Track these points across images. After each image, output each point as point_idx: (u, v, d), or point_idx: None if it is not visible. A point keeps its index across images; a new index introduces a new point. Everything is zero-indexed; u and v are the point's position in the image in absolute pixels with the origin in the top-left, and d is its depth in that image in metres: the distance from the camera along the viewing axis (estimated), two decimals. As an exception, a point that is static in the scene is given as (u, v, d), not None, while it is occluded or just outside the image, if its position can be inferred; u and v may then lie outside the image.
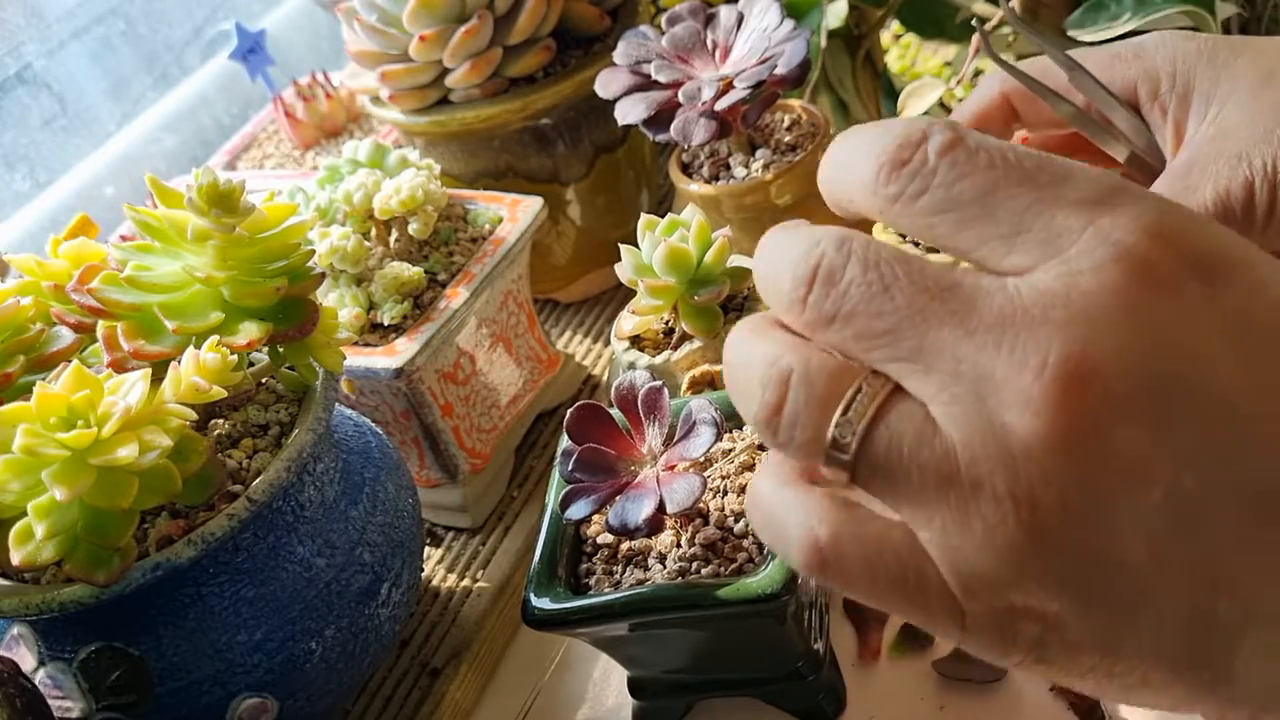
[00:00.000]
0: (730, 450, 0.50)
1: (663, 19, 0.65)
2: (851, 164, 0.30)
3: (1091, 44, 0.76)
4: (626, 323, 0.58)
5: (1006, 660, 0.27)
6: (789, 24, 0.60)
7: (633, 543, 0.48)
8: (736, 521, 0.47)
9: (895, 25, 1.29)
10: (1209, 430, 0.25)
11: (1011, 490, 0.25)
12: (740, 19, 0.63)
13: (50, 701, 0.45)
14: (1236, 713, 0.26)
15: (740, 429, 0.52)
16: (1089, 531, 0.25)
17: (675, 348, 0.56)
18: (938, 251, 0.37)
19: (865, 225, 0.50)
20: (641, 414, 0.48)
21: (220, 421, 0.51)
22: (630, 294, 0.57)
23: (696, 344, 0.55)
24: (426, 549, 0.65)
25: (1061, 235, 0.26)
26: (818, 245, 0.29)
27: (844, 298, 0.28)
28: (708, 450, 0.45)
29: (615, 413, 0.49)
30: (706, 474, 0.48)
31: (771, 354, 0.28)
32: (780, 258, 0.30)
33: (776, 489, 0.29)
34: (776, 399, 0.28)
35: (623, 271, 0.56)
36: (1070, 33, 0.76)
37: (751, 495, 0.30)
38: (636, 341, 0.58)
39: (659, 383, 0.48)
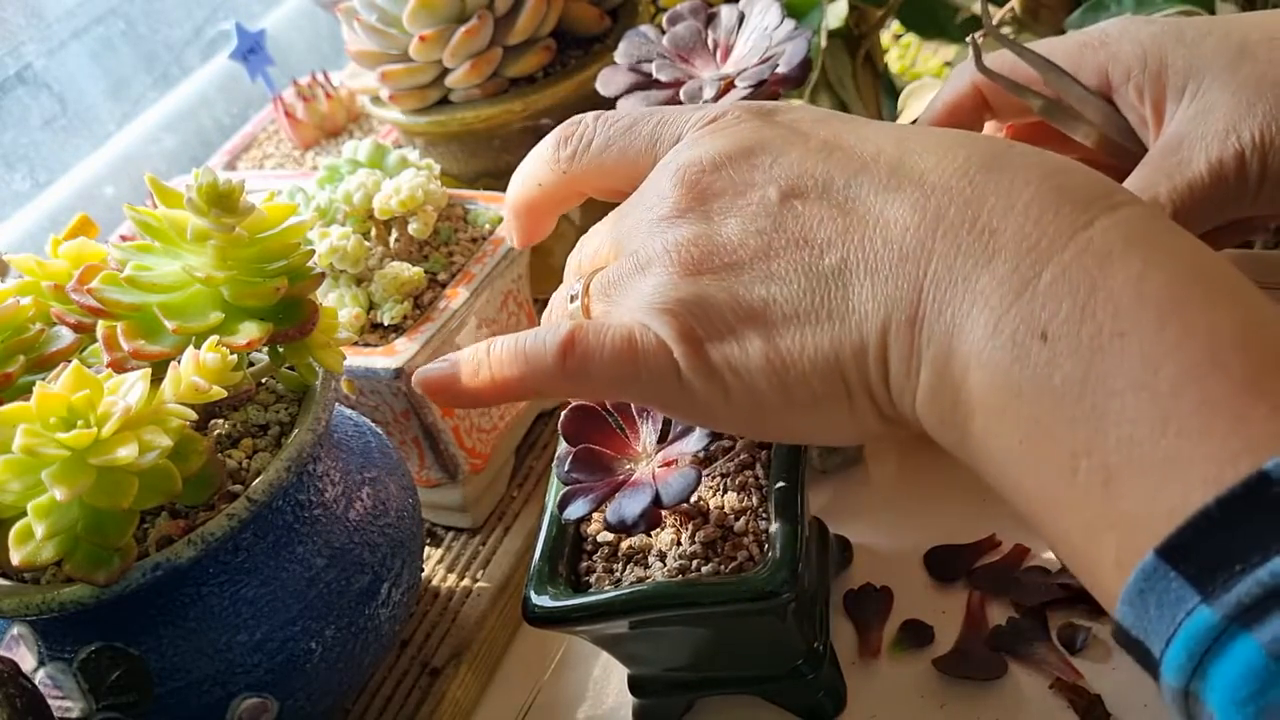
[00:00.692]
0: (730, 448, 0.50)
1: (663, 18, 0.65)
2: (530, 159, 0.46)
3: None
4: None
5: (718, 403, 0.37)
6: (790, 24, 0.60)
7: (633, 541, 0.48)
8: (736, 519, 0.47)
9: (895, 25, 1.29)
10: (778, 163, 0.38)
11: (665, 248, 0.38)
12: (741, 18, 0.63)
13: (50, 701, 0.45)
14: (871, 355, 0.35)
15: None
16: (717, 247, 0.37)
17: None
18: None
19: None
20: (635, 412, 0.48)
21: (220, 421, 0.51)
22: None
23: None
24: (426, 549, 0.65)
25: (683, 126, 0.42)
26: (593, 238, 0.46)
27: (582, 245, 0.46)
28: (702, 446, 0.45)
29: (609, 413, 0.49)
30: (706, 472, 0.48)
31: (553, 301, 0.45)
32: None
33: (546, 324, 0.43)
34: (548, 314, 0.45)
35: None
36: (1071, 33, 0.76)
37: (508, 336, 0.43)
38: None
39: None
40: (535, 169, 0.46)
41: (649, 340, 0.38)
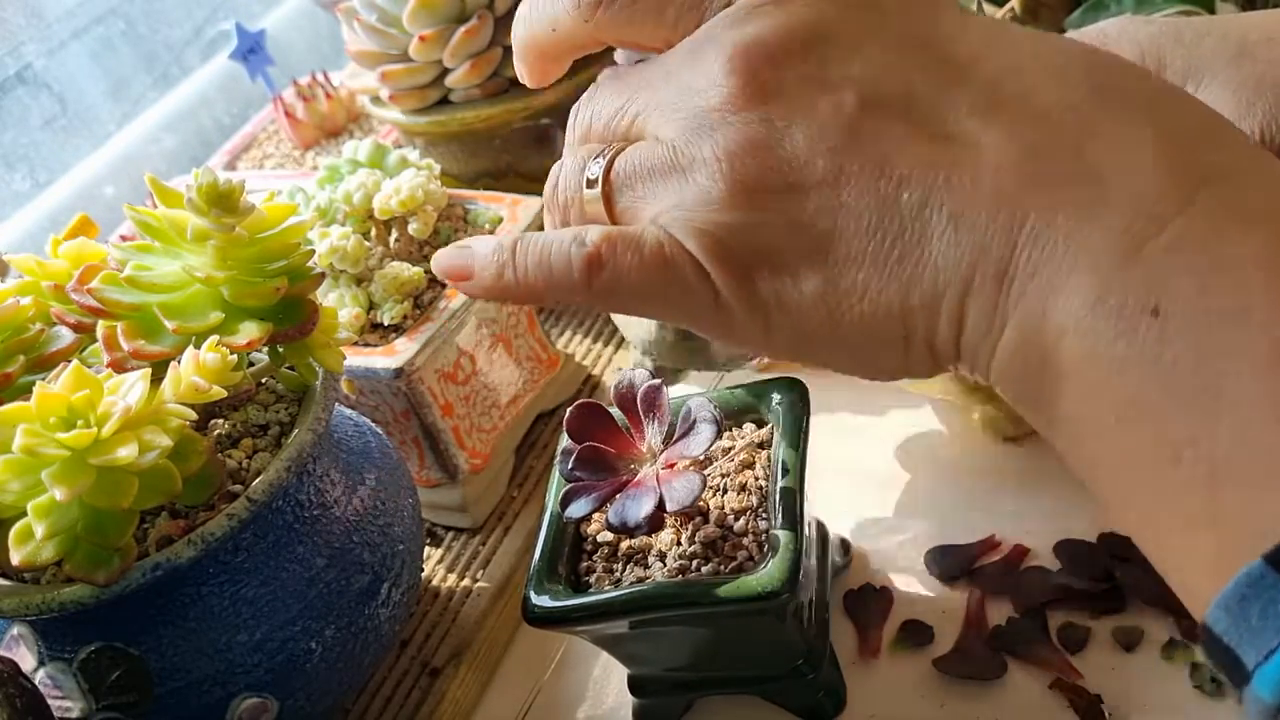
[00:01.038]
0: (730, 448, 0.50)
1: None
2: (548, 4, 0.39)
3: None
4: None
5: (757, 332, 0.33)
6: (789, 23, 0.60)
7: (633, 541, 0.48)
8: (737, 519, 0.47)
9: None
10: (855, 59, 0.32)
11: (715, 154, 0.32)
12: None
13: (50, 701, 0.45)
14: (944, 303, 0.31)
15: (740, 427, 0.52)
16: (778, 163, 0.32)
17: None
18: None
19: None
20: (641, 412, 0.48)
21: (220, 421, 0.51)
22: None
23: None
24: (426, 549, 0.65)
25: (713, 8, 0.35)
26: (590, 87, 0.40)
27: (594, 99, 0.38)
28: (707, 448, 0.45)
29: (615, 411, 0.49)
30: (706, 472, 0.48)
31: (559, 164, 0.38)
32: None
33: (553, 231, 0.36)
34: (555, 172, 0.38)
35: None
36: (1070, 33, 0.76)
37: (532, 240, 0.36)
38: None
39: (658, 381, 0.48)
40: (552, 10, 0.39)
41: (685, 263, 0.33)
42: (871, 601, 0.54)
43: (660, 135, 0.34)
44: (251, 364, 0.52)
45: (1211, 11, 0.73)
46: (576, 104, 0.39)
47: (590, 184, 0.36)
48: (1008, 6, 0.78)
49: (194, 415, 0.45)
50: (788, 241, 0.32)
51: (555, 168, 0.38)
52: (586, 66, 0.69)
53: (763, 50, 0.32)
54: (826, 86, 0.32)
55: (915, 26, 0.32)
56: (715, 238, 0.32)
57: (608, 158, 0.36)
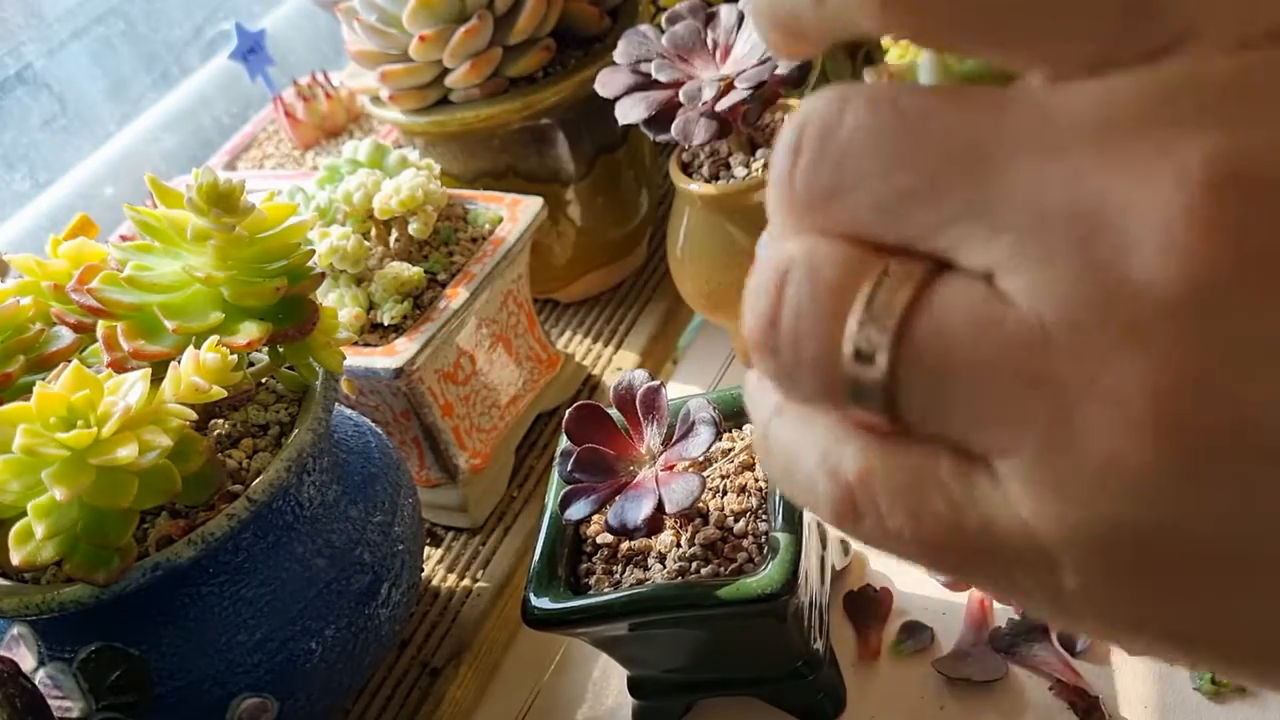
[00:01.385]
0: (729, 450, 0.50)
1: (663, 18, 0.65)
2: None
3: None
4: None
5: (1121, 629, 0.18)
6: (789, 24, 0.60)
7: (632, 542, 0.48)
8: (736, 521, 0.47)
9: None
10: None
11: (1145, 381, 0.16)
12: (741, 18, 0.63)
13: (50, 701, 0.45)
14: None
15: (739, 428, 0.52)
16: (1252, 417, 0.15)
17: None
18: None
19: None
20: (640, 414, 0.48)
21: (220, 421, 0.51)
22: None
23: None
24: (426, 549, 0.65)
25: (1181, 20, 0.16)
26: (809, 105, 0.19)
27: (844, 153, 0.18)
28: (706, 450, 0.45)
29: (614, 413, 0.49)
30: (706, 474, 0.48)
31: (773, 257, 0.20)
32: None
33: (792, 425, 0.20)
34: (770, 307, 0.19)
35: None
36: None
37: (762, 439, 0.21)
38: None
39: (657, 382, 0.48)
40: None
41: (1025, 550, 0.18)
42: (871, 603, 0.54)
43: (1005, 284, 0.17)
44: (251, 364, 0.52)
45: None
46: (787, 139, 0.19)
47: (862, 358, 0.18)
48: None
49: (194, 415, 0.45)
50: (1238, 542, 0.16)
51: (768, 272, 0.20)
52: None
53: (1267, 190, 0.15)
54: None
55: None
56: (1105, 536, 0.16)
57: (898, 316, 0.18)
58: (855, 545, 0.58)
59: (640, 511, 0.45)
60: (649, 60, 0.62)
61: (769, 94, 0.62)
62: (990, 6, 0.17)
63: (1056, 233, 0.16)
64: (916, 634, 0.52)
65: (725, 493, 0.48)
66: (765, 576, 0.43)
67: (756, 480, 0.48)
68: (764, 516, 0.47)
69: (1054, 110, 0.17)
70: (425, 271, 0.62)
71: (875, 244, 0.18)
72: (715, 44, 0.63)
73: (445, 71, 0.69)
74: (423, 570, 0.60)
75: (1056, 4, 0.17)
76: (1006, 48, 0.18)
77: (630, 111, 0.61)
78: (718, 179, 0.63)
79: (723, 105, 0.59)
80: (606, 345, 0.76)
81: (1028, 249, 0.17)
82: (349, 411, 0.58)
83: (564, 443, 0.49)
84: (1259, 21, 0.16)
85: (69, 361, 0.45)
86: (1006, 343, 0.17)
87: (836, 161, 0.18)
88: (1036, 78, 0.17)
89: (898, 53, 1.33)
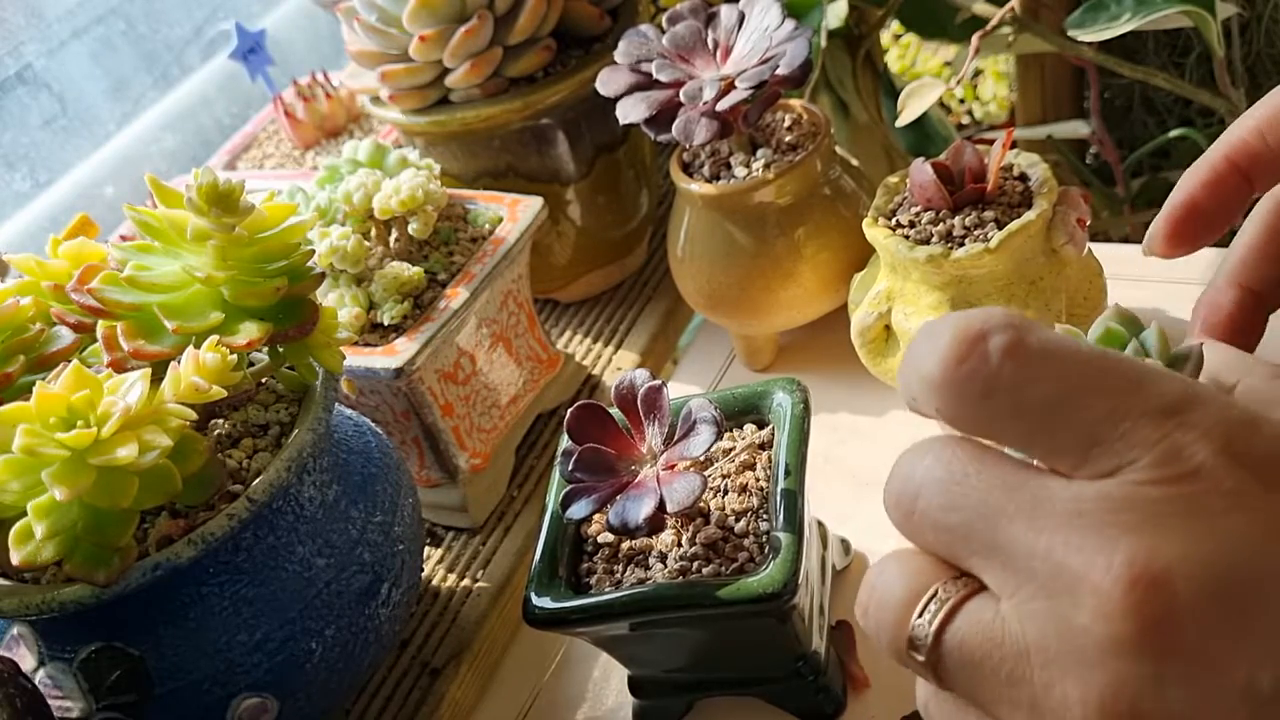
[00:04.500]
0: (731, 449, 0.50)
1: (663, 18, 0.65)
2: (919, 359, 0.30)
3: (1093, 44, 0.76)
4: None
5: None
6: (790, 24, 0.60)
7: (633, 542, 0.48)
8: (737, 521, 0.47)
9: (895, 25, 1.29)
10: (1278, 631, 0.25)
11: (1084, 694, 0.26)
12: (741, 18, 0.63)
13: (50, 701, 0.45)
14: None
15: (740, 428, 0.52)
16: None
17: None
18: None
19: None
20: (641, 413, 0.48)
21: (220, 421, 0.51)
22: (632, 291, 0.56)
23: None
24: (426, 549, 0.65)
25: (1136, 447, 0.27)
26: (905, 460, 0.31)
27: (918, 496, 0.30)
28: (708, 449, 0.45)
29: (615, 412, 0.49)
30: (707, 473, 0.48)
31: (880, 561, 0.31)
32: (895, 471, 0.32)
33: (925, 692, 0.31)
34: (865, 598, 0.31)
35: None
36: (1070, 33, 0.76)
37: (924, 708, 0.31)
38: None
39: (658, 382, 0.48)
40: (916, 384, 0.30)
41: None
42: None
43: (1008, 607, 0.28)
44: (251, 364, 0.52)
45: (1211, 11, 0.73)
46: (895, 483, 0.31)
47: (915, 647, 0.29)
48: (1008, 7, 0.78)
49: (194, 415, 0.45)
50: None
51: (871, 571, 0.31)
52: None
53: (1167, 587, 0.26)
54: (1233, 666, 0.25)
55: None
56: None
57: (936, 623, 0.29)
58: (855, 545, 0.58)
59: (641, 511, 0.45)
60: (649, 60, 0.62)
61: (770, 94, 0.62)
62: (998, 430, 0.29)
63: (1038, 584, 0.27)
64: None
65: (726, 492, 0.48)
66: (766, 576, 0.43)
67: (757, 480, 0.48)
68: (765, 516, 0.47)
69: (1047, 498, 0.27)
70: (425, 271, 0.62)
71: (940, 556, 0.30)
72: (716, 44, 0.63)
73: (445, 71, 0.69)
74: (423, 570, 0.60)
75: (1042, 433, 0.28)
76: (1016, 447, 0.29)
77: (631, 111, 0.61)
78: (718, 179, 0.63)
79: (723, 105, 0.59)
80: (606, 345, 0.76)
81: (1020, 590, 0.27)
82: (349, 411, 0.58)
83: (565, 442, 0.49)
84: (1178, 464, 0.27)
85: (69, 361, 0.45)
86: (1003, 652, 0.27)
87: (911, 497, 0.30)
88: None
89: (898, 53, 1.32)
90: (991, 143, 0.57)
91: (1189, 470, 0.27)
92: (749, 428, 0.51)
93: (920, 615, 0.29)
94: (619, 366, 0.74)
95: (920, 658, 0.29)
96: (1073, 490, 0.27)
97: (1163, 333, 0.36)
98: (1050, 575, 0.27)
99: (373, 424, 0.58)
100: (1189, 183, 0.41)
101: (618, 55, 0.64)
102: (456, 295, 0.61)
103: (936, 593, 0.29)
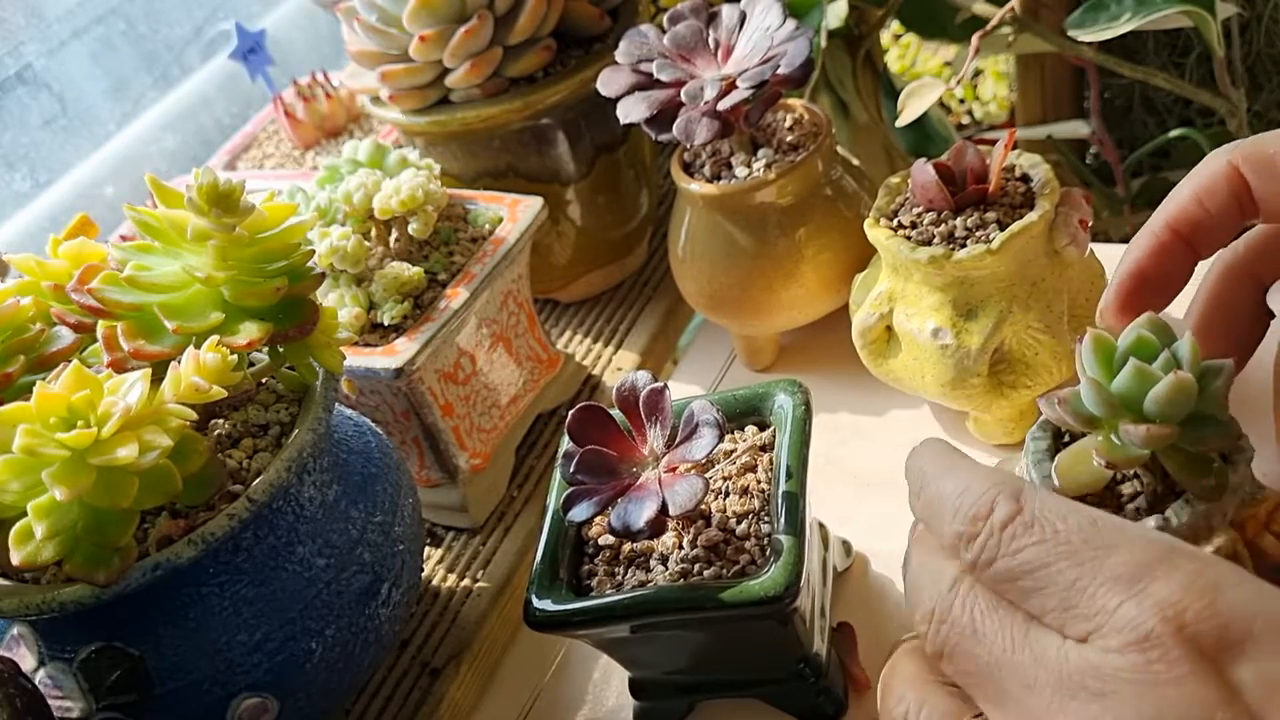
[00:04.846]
0: (732, 451, 0.50)
1: (664, 18, 0.65)
2: (939, 518, 0.36)
3: (1093, 44, 0.76)
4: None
5: None
6: (791, 23, 0.60)
7: (635, 544, 0.48)
8: (739, 523, 0.47)
9: (895, 25, 1.29)
10: None
11: None
12: (742, 18, 0.63)
13: (50, 701, 0.45)
14: None
15: (741, 430, 0.52)
16: None
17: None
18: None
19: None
20: (643, 415, 0.48)
21: (220, 421, 0.51)
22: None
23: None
24: (426, 549, 0.65)
25: (1098, 613, 0.31)
26: (938, 582, 0.35)
27: (946, 639, 0.34)
28: (710, 452, 0.45)
29: (617, 414, 0.49)
30: (708, 475, 0.48)
31: (901, 691, 0.37)
32: (914, 587, 0.37)
33: None
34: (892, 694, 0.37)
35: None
36: (1070, 33, 0.76)
37: None
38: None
39: (660, 384, 0.47)
40: (939, 535, 0.36)
41: None
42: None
43: None
44: (251, 364, 0.52)
45: (1211, 11, 0.73)
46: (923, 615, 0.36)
47: None
48: (1008, 7, 0.78)
49: (194, 415, 0.45)
50: None
51: (902, 678, 0.38)
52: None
53: None
54: None
55: None
56: None
57: None
58: (857, 547, 0.58)
59: (643, 513, 0.44)
60: (650, 60, 0.62)
61: (770, 93, 0.62)
62: (1003, 590, 0.34)
63: None
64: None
65: (728, 494, 0.48)
66: (768, 579, 0.43)
67: (759, 482, 0.48)
68: (766, 518, 0.47)
69: (1042, 658, 0.32)
70: (425, 271, 0.62)
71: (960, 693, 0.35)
72: (717, 43, 0.63)
73: (445, 71, 0.69)
74: (423, 570, 0.60)
75: (1033, 595, 0.32)
76: (1019, 604, 0.33)
77: (632, 111, 0.61)
78: (719, 179, 0.63)
79: (724, 105, 0.59)
80: (606, 345, 0.76)
81: None
82: (349, 411, 0.58)
83: (566, 444, 0.49)
84: (1130, 633, 0.30)
85: (69, 361, 0.45)
86: None
87: (943, 640, 0.34)
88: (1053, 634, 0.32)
89: (898, 53, 1.32)
90: (992, 143, 0.57)
91: (1138, 639, 0.30)
92: (750, 429, 0.51)
93: None
94: (619, 367, 0.74)
95: None
96: (1060, 654, 0.32)
97: (1195, 345, 0.36)
98: None
99: (373, 424, 0.58)
100: (1135, 252, 0.43)
101: (619, 55, 0.63)
102: (456, 295, 0.61)
103: None
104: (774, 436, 0.50)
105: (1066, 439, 0.41)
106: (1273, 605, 0.30)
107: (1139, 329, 0.37)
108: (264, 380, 0.53)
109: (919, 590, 0.36)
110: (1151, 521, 0.37)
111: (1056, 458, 0.39)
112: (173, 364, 0.46)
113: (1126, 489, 0.39)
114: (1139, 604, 0.30)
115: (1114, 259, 0.43)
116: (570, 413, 0.48)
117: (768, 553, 0.45)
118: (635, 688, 0.52)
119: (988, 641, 0.33)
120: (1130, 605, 0.31)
